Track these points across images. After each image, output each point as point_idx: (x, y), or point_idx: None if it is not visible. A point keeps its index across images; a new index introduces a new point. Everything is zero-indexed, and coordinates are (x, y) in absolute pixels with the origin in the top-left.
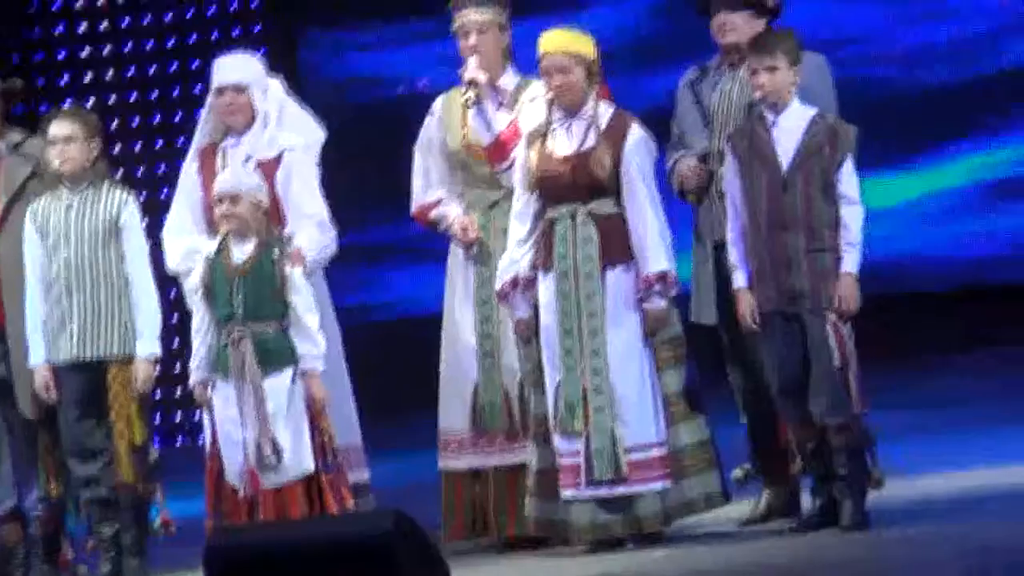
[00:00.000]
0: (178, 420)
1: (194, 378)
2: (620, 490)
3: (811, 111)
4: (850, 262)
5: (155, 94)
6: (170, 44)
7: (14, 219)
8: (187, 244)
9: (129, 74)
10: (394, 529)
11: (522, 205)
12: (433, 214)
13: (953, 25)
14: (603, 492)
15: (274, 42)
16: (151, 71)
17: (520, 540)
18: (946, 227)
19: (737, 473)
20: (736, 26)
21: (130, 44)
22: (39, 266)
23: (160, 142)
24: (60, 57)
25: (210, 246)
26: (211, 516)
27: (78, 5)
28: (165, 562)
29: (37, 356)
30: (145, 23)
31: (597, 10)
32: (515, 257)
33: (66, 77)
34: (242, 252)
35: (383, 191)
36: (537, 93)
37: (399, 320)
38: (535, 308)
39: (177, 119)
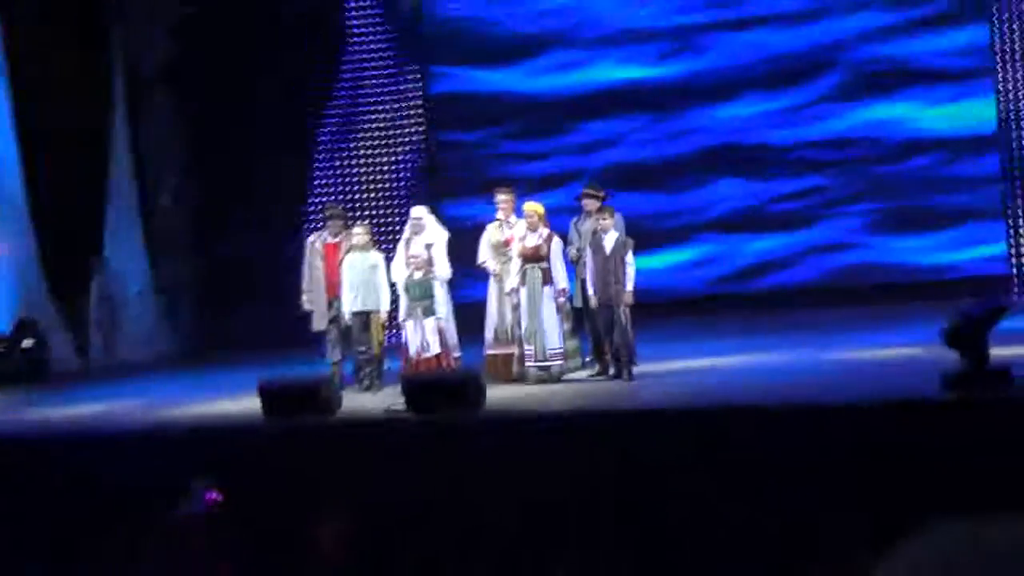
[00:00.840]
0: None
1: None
2: (544, 364)
3: (617, 234)
4: (630, 285)
5: None
6: None
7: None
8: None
9: None
10: (467, 374)
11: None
12: None
13: None
14: (539, 364)
15: None
16: None
17: (509, 381)
18: None
19: (586, 359)
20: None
21: None
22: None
23: None
24: None
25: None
26: (403, 367)
27: None
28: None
29: (346, 309)
30: None
31: None
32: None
33: None
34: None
35: None
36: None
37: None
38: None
39: None
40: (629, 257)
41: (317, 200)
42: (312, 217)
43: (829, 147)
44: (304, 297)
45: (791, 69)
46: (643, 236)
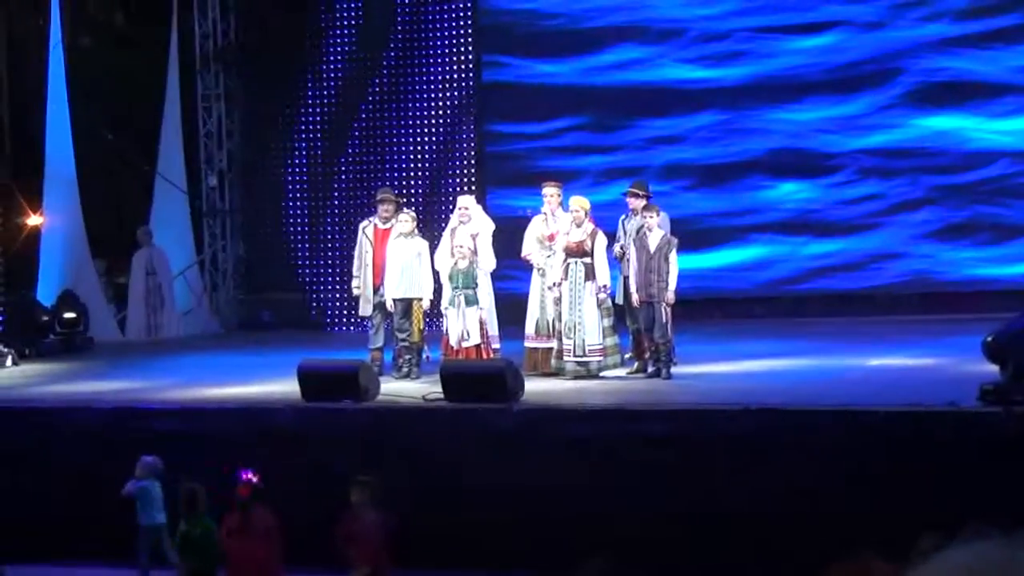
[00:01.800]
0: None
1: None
2: (583, 359)
3: (661, 232)
4: (672, 284)
5: None
6: None
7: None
8: None
9: None
10: (505, 365)
11: None
12: None
13: None
14: (578, 360)
15: None
16: None
17: (547, 374)
18: None
19: (626, 356)
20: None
21: None
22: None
23: None
24: None
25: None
26: (443, 356)
27: None
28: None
29: (389, 295)
30: None
31: None
32: None
33: None
34: None
35: None
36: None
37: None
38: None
39: None
40: (672, 256)
41: (364, 187)
42: (361, 204)
43: (891, 155)
44: (354, 282)
45: (857, 76)
46: (701, 235)
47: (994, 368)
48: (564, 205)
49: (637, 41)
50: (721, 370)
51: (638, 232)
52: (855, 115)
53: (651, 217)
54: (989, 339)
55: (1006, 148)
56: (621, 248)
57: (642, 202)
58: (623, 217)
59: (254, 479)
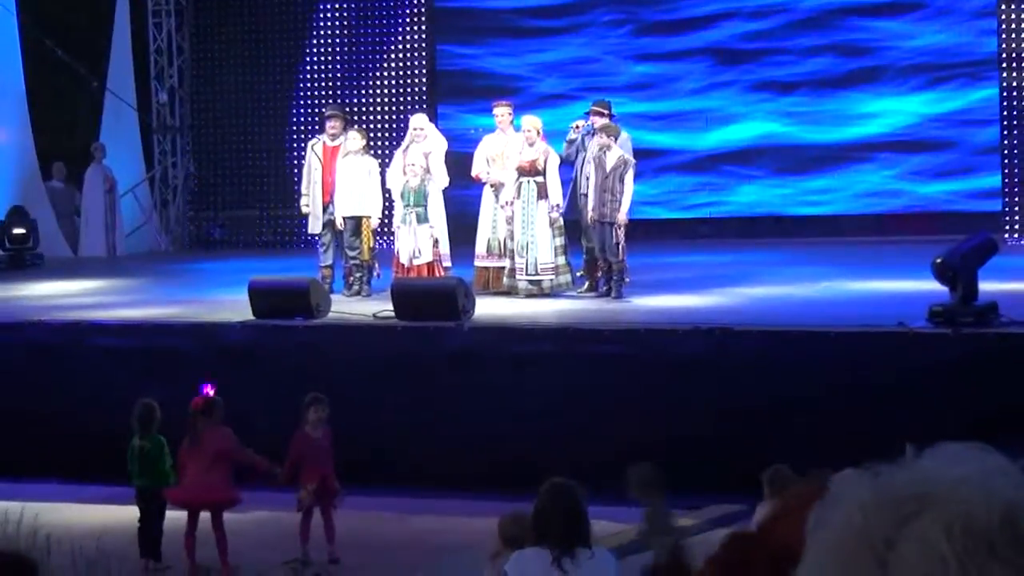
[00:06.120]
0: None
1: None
2: (535, 278)
3: (620, 152)
4: (625, 204)
5: None
6: None
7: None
8: None
9: None
10: (457, 283)
11: None
12: None
13: None
14: (530, 278)
15: None
16: None
17: (499, 293)
18: None
19: (577, 274)
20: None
21: None
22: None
23: None
24: None
25: None
26: (394, 274)
27: None
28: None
29: (339, 213)
30: None
31: None
32: None
33: None
34: None
35: None
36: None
37: None
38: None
39: None
40: (628, 177)
41: (317, 104)
42: (313, 120)
43: None
44: (302, 200)
45: None
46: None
47: (944, 289)
48: (515, 125)
49: None
50: (672, 290)
51: (597, 151)
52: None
53: (608, 136)
54: (939, 260)
55: None
56: (568, 154)
57: (603, 120)
58: (586, 131)
59: (211, 392)
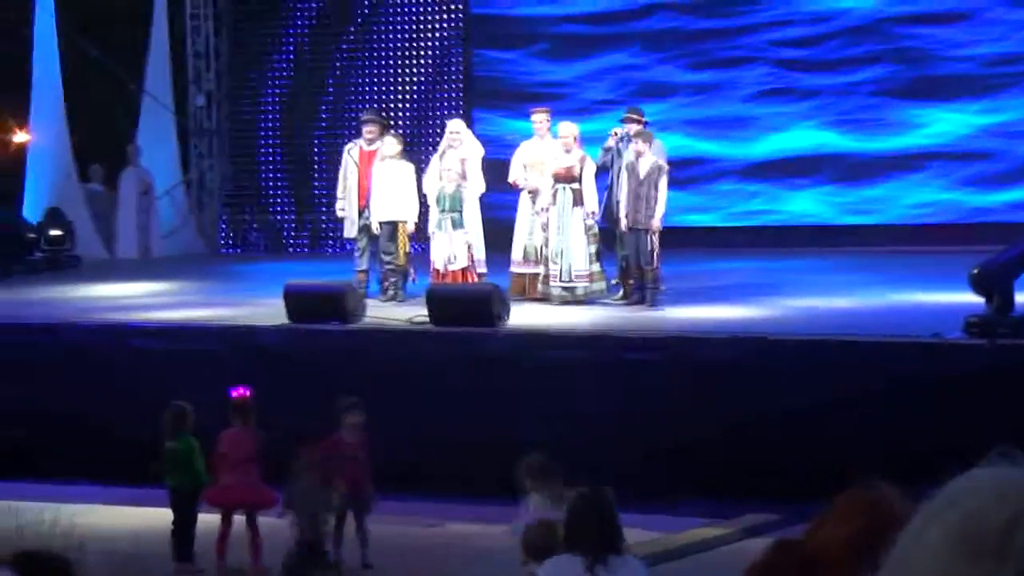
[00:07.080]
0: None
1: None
2: (570, 284)
3: (653, 159)
4: (659, 211)
5: None
6: None
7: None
8: None
9: None
10: (492, 289)
11: None
12: None
13: None
14: (564, 285)
15: None
16: None
17: (533, 299)
18: None
19: (612, 282)
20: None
21: None
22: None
23: None
24: None
25: None
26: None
27: None
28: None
29: (374, 218)
30: None
31: None
32: None
33: None
34: None
35: None
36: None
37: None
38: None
39: None
40: (662, 183)
41: (351, 109)
42: (349, 125)
43: None
44: (338, 204)
45: None
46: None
47: (980, 300)
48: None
49: None
50: (708, 300)
51: (632, 158)
52: None
53: (642, 143)
54: (975, 271)
55: None
56: (604, 162)
57: (637, 127)
58: (621, 138)
59: (246, 394)
